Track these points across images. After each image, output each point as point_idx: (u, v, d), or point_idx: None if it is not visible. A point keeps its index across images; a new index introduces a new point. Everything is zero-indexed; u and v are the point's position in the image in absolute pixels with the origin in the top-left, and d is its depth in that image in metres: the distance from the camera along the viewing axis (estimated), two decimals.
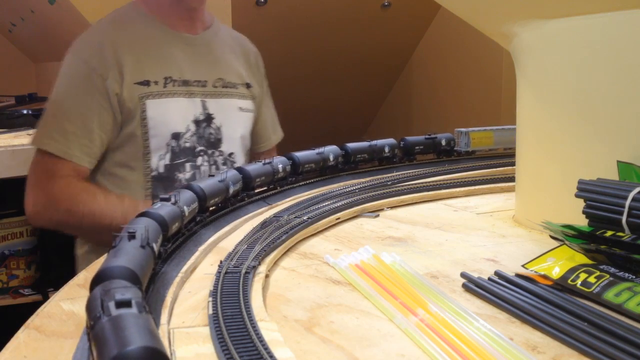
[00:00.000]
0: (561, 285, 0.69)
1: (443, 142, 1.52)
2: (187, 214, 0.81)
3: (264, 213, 1.07)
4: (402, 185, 1.25)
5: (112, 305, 0.43)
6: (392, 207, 1.15)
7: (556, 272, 0.71)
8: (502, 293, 0.68)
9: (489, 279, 0.73)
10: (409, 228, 1.01)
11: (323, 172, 1.29)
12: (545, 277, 0.71)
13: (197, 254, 0.82)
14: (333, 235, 0.98)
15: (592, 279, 0.68)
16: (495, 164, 1.49)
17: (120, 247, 0.60)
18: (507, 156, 1.56)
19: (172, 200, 0.79)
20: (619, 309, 0.63)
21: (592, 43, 0.89)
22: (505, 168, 1.43)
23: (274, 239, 0.86)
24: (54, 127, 1.40)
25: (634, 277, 0.67)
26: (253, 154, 1.67)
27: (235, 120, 1.55)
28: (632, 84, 0.86)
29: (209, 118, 1.49)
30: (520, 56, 1.01)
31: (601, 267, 0.70)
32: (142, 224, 0.67)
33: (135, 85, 1.40)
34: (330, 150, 1.28)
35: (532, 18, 0.96)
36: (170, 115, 1.44)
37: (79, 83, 1.41)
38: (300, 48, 3.37)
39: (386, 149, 1.41)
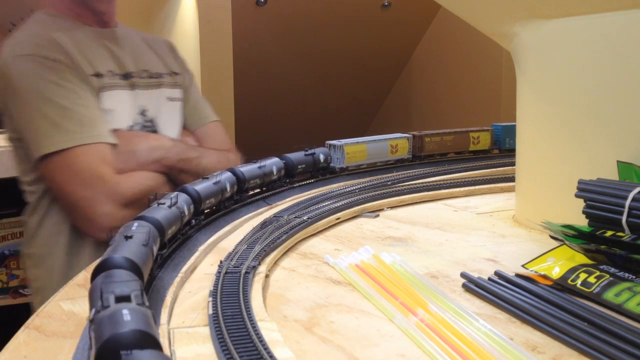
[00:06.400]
0: (561, 285, 0.69)
1: (321, 158, 1.32)
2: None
3: (264, 213, 1.07)
4: (402, 185, 1.25)
5: None
6: (392, 207, 1.15)
7: (556, 272, 0.71)
8: (502, 293, 0.68)
9: (489, 279, 0.73)
10: (409, 228, 1.01)
11: (221, 205, 1.07)
12: (545, 277, 0.71)
13: (197, 254, 0.82)
14: (333, 235, 0.98)
15: (592, 279, 0.68)
16: (495, 164, 1.49)
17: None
18: (507, 156, 1.56)
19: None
20: (619, 309, 0.63)
21: (592, 43, 0.89)
22: (505, 168, 1.43)
23: (274, 239, 0.86)
24: (62, 124, 1.29)
25: (634, 277, 0.67)
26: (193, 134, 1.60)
27: (166, 110, 1.53)
28: (632, 84, 0.85)
29: (143, 111, 1.48)
30: (520, 56, 1.01)
31: (601, 267, 0.70)
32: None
33: (91, 77, 1.38)
34: (227, 179, 1.07)
35: (532, 18, 0.96)
36: (122, 108, 1.41)
37: (57, 79, 1.30)
38: (300, 48, 3.37)
39: (274, 171, 1.20)
